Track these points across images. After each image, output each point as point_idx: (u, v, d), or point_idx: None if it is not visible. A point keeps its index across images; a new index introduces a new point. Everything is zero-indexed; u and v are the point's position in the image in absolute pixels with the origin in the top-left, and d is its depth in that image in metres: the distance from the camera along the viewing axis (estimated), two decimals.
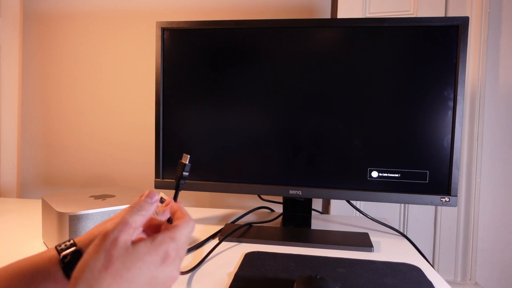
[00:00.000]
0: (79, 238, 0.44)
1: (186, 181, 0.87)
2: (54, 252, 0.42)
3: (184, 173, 0.48)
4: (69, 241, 0.43)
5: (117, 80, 1.27)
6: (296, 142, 0.84)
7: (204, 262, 0.68)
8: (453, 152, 0.78)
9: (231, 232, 0.80)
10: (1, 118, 1.28)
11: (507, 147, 1.07)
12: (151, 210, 0.39)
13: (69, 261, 0.41)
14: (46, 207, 0.71)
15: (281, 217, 0.93)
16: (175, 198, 0.49)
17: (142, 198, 0.40)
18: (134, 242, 0.35)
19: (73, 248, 0.42)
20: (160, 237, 0.37)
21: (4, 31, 1.26)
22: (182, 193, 1.25)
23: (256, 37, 0.85)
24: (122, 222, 0.36)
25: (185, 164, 0.49)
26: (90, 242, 0.43)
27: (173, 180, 0.90)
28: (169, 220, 0.48)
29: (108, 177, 1.30)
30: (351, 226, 0.94)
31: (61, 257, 0.41)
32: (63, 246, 0.42)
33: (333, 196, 0.83)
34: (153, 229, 0.44)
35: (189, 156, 0.49)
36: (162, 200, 0.49)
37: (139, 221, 0.37)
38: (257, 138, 0.85)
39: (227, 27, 0.86)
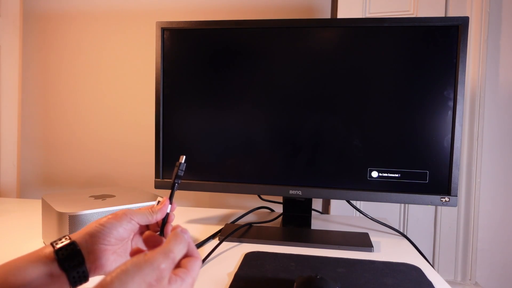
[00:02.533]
0: (75, 234, 0.45)
1: (187, 181, 0.88)
2: (50, 248, 0.42)
3: (179, 171, 0.49)
4: (64, 237, 0.44)
5: (117, 80, 1.27)
6: (296, 142, 0.84)
7: (204, 262, 0.68)
8: (453, 152, 0.78)
9: (231, 232, 0.80)
10: (1, 118, 1.28)
11: (507, 147, 1.07)
12: (187, 243, 0.41)
13: (63, 253, 0.42)
14: (46, 207, 0.71)
15: (281, 217, 0.93)
16: (170, 198, 0.49)
17: (179, 231, 0.42)
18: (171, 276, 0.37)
19: (67, 241, 0.43)
20: (187, 274, 0.39)
21: (4, 31, 1.26)
22: (183, 193, 1.26)
23: (256, 37, 0.85)
24: (171, 258, 0.38)
25: (180, 163, 0.50)
26: (85, 235, 0.44)
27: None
28: (164, 220, 0.48)
29: (108, 177, 1.29)
30: (351, 226, 0.94)
31: (56, 250, 0.42)
32: (58, 241, 0.43)
33: (333, 196, 0.83)
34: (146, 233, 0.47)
35: (184, 156, 0.50)
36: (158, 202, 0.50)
37: (179, 256, 0.40)
38: (257, 138, 0.85)
39: (227, 27, 0.86)
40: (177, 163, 0.50)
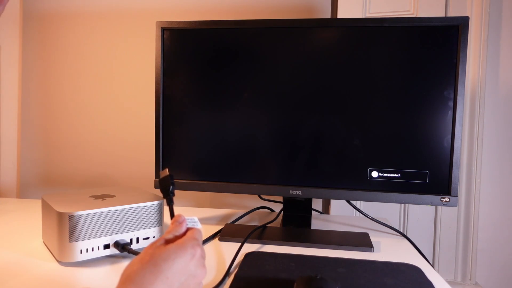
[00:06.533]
0: None
1: (187, 181, 0.87)
2: None
3: (171, 182, 0.52)
4: None
5: (117, 80, 1.27)
6: (296, 142, 0.84)
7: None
8: (453, 152, 0.78)
9: (250, 233, 0.80)
10: (1, 118, 1.28)
11: (507, 147, 1.07)
12: (182, 230, 0.48)
13: None
14: (46, 207, 0.71)
15: (281, 217, 0.93)
16: (171, 215, 0.51)
17: (173, 223, 0.49)
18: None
19: None
20: (185, 238, 0.46)
21: (4, 31, 1.26)
22: (183, 193, 1.26)
23: (256, 37, 0.85)
24: (159, 239, 0.46)
25: (170, 175, 0.53)
26: None
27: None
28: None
29: (108, 177, 1.29)
30: (351, 226, 0.94)
31: None
32: None
33: (333, 196, 0.83)
34: None
35: (167, 168, 0.53)
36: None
37: (167, 237, 0.47)
38: (257, 138, 0.85)
39: (227, 27, 0.86)
40: (165, 177, 0.53)
